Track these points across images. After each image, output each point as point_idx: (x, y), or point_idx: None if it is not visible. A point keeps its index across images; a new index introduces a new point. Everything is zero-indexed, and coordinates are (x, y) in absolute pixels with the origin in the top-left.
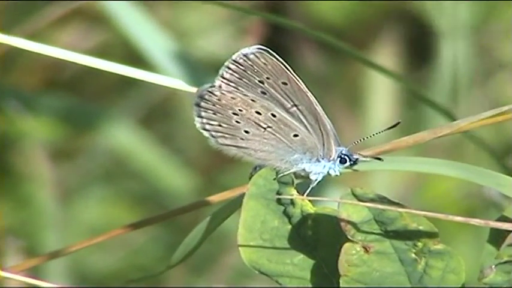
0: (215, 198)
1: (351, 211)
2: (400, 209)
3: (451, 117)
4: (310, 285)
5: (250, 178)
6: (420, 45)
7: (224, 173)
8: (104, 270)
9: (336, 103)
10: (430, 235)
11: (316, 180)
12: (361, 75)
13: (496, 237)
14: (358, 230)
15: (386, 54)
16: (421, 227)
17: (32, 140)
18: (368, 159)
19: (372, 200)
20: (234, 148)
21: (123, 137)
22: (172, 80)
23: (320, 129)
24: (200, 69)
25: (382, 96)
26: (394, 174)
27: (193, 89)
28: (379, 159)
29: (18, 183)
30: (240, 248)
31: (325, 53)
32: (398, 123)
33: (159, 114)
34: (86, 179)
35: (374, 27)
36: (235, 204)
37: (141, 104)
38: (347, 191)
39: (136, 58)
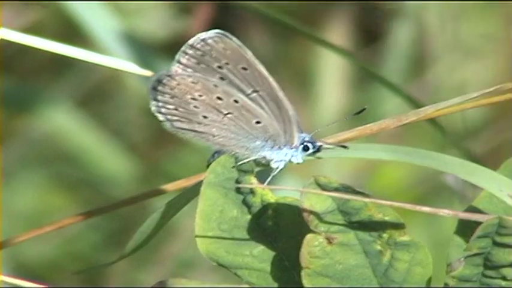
0: (170, 187)
1: (314, 201)
2: (366, 199)
3: (405, 97)
4: (270, 278)
5: (208, 166)
6: (370, 25)
7: (167, 160)
8: (39, 259)
9: (285, 85)
10: (396, 226)
11: (277, 168)
12: (310, 55)
13: (464, 229)
14: (321, 220)
15: (336, 32)
16: (386, 218)
17: None
18: (332, 146)
19: (336, 190)
20: (190, 132)
21: (60, 119)
22: (124, 62)
23: (282, 116)
24: (145, 50)
25: (332, 76)
26: (343, 162)
27: (147, 72)
28: (344, 146)
29: None
30: (197, 239)
31: (272, 32)
32: (364, 109)
33: (97, 96)
34: (21, 163)
35: (323, 6)
36: (191, 193)
37: (79, 85)
38: (310, 179)
39: (73, 38)
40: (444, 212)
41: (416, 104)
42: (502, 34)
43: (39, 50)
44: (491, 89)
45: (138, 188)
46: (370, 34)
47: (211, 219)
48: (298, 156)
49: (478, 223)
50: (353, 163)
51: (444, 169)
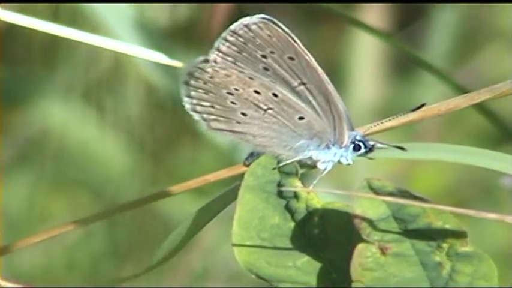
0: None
1: (367, 206)
2: (424, 205)
3: (451, 84)
4: None
5: (246, 165)
6: (409, 4)
7: (176, 158)
8: (34, 267)
9: None
10: (458, 235)
11: (325, 169)
12: (343, 39)
13: None
14: (374, 228)
15: (372, 12)
16: (447, 226)
17: None
18: (386, 146)
19: (390, 194)
20: (229, 133)
21: (59, 112)
22: (150, 52)
23: (331, 112)
24: (159, 37)
25: (368, 61)
26: (374, 164)
27: (176, 63)
28: (401, 148)
29: None
30: (234, 249)
31: (301, 14)
32: (423, 104)
33: (100, 88)
34: (16, 160)
35: None
36: (227, 198)
37: (80, 76)
38: (362, 183)
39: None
40: (511, 218)
41: (463, 92)
42: None
43: (36, 37)
44: None
45: (144, 189)
46: (408, 14)
47: (250, 227)
48: (349, 157)
49: None
50: (386, 165)
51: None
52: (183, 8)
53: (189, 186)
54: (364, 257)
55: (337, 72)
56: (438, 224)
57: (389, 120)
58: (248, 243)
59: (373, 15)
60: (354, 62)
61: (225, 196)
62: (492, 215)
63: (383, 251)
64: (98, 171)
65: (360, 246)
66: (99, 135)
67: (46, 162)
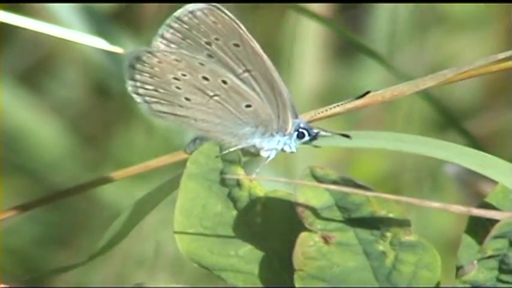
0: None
1: (310, 195)
2: (368, 193)
3: (392, 70)
4: (257, 281)
5: (186, 152)
6: None
7: (116, 143)
8: None
9: None
10: (401, 224)
11: (268, 157)
12: (283, 24)
13: (475, 228)
14: (317, 217)
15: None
16: (391, 215)
17: None
18: (330, 134)
19: (334, 182)
20: (171, 116)
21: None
22: (89, 37)
23: (275, 99)
24: (98, 20)
25: (309, 47)
26: (316, 151)
27: (117, 49)
28: (346, 135)
29: None
30: (176, 237)
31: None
32: (368, 92)
33: (39, 70)
34: None
35: None
36: (169, 186)
37: (18, 58)
38: (305, 171)
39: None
40: (456, 208)
41: (405, 77)
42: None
43: None
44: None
45: (83, 174)
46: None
47: (192, 215)
48: (292, 145)
49: (493, 221)
50: (328, 152)
51: (458, 160)
52: None
53: (130, 172)
54: (307, 246)
55: (279, 57)
56: (382, 212)
57: (334, 107)
58: (190, 231)
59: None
60: (296, 47)
61: (167, 184)
62: (436, 204)
63: (326, 240)
64: (36, 156)
65: (303, 235)
66: (37, 119)
67: None
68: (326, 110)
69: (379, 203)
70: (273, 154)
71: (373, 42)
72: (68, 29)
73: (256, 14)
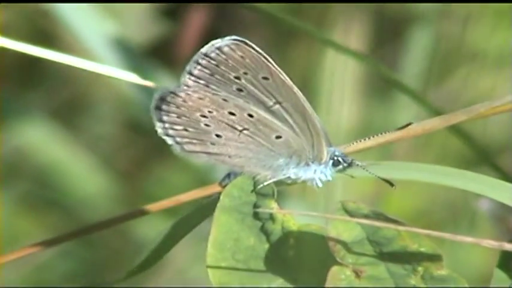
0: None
1: (341, 229)
2: (399, 227)
3: (427, 106)
4: None
5: (219, 185)
6: (385, 28)
7: (149, 180)
8: None
9: None
10: (433, 258)
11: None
12: (318, 60)
13: (508, 263)
14: (348, 250)
15: (347, 34)
16: (422, 249)
17: None
18: (363, 163)
19: (365, 216)
20: (204, 155)
21: (31, 132)
22: (122, 71)
23: (309, 129)
24: (133, 56)
25: (343, 82)
26: (349, 183)
27: (148, 83)
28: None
29: None
30: (208, 270)
31: (273, 35)
32: (410, 123)
33: (73, 107)
34: None
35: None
36: (199, 215)
37: (53, 95)
38: (337, 205)
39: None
40: (488, 242)
41: (437, 113)
42: None
43: (10, 55)
44: None
45: (116, 211)
46: (384, 37)
47: (225, 248)
48: (328, 173)
49: None
50: (360, 185)
51: (490, 194)
52: (158, 28)
53: (161, 206)
54: (338, 280)
55: (312, 93)
56: (413, 247)
57: (366, 140)
58: (223, 264)
59: (348, 35)
60: (328, 83)
61: (197, 213)
62: (468, 239)
63: (357, 274)
64: (70, 192)
65: (334, 268)
66: (72, 155)
67: (19, 182)
68: (358, 143)
69: (411, 237)
70: (312, 183)
71: (407, 78)
72: (101, 63)
73: (290, 50)
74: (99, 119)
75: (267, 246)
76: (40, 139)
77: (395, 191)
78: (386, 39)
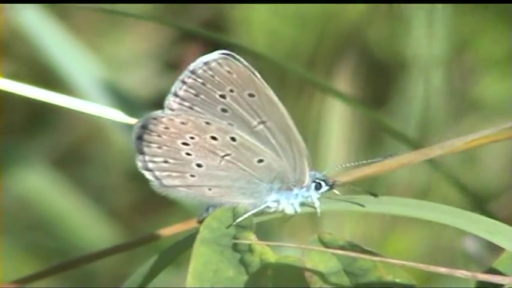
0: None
1: (318, 260)
2: (375, 258)
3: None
4: None
5: (199, 222)
6: (383, 77)
7: (153, 228)
8: None
9: None
10: None
11: (290, 213)
12: (314, 106)
13: None
14: (325, 281)
15: (345, 81)
16: (397, 280)
17: None
18: (358, 189)
19: (341, 248)
20: (183, 189)
21: (34, 181)
22: (107, 109)
23: (292, 150)
24: (133, 102)
25: (339, 128)
26: (344, 219)
27: (133, 120)
28: (374, 195)
29: None
30: None
31: (273, 80)
32: (392, 154)
33: (76, 156)
34: None
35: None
36: (181, 246)
37: (56, 143)
38: (313, 237)
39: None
40: (461, 272)
41: (435, 164)
42: None
43: (14, 100)
44: None
45: (120, 259)
46: (378, 82)
47: (204, 279)
48: (312, 197)
49: (499, 286)
50: (359, 222)
51: (465, 227)
52: (162, 81)
53: (144, 240)
54: None
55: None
56: (388, 278)
57: (342, 171)
58: None
59: (339, 79)
60: (322, 127)
61: (177, 246)
62: (442, 269)
63: None
64: (73, 240)
65: None
66: (75, 204)
67: (21, 231)
68: (342, 166)
69: (386, 268)
70: (293, 209)
71: (400, 125)
72: (85, 101)
73: (284, 93)
74: (100, 167)
75: (245, 277)
76: (42, 188)
77: (391, 236)
78: (377, 84)
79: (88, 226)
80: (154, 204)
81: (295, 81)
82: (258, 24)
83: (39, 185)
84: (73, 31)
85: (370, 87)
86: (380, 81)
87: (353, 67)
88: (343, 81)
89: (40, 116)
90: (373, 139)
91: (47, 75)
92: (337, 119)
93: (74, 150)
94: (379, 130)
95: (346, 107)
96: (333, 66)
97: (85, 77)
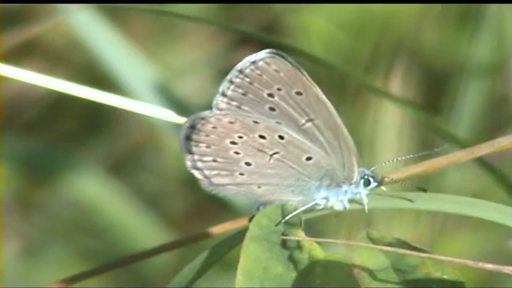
0: (216, 229)
1: (366, 257)
2: (423, 255)
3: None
4: None
5: (250, 220)
6: (436, 82)
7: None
8: None
9: None
10: (456, 285)
11: (340, 210)
12: (365, 108)
13: None
14: (374, 278)
15: (398, 85)
16: (445, 276)
17: None
18: (408, 185)
19: (390, 245)
20: (232, 187)
21: (90, 187)
22: (158, 108)
23: (340, 147)
24: (186, 107)
25: (390, 132)
26: (393, 222)
27: (182, 120)
28: (423, 189)
29: None
30: None
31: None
32: (438, 147)
33: (131, 162)
34: (45, 236)
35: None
36: (232, 242)
37: (111, 149)
38: (362, 233)
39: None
40: (509, 269)
41: (488, 166)
42: None
43: (71, 107)
44: None
45: (175, 265)
46: (430, 94)
47: (253, 276)
48: (361, 193)
49: None
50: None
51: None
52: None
53: (195, 238)
54: None
55: (362, 143)
56: (436, 274)
57: (389, 167)
58: None
59: (397, 86)
60: (377, 132)
61: (227, 242)
62: (489, 265)
63: None
64: (127, 246)
65: None
66: (130, 210)
67: (76, 237)
68: (389, 161)
69: (434, 264)
70: (342, 205)
71: (454, 128)
72: (135, 100)
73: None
74: (154, 174)
75: (294, 274)
76: (97, 193)
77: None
78: (430, 89)
79: (142, 232)
80: (208, 210)
81: (351, 87)
82: (315, 31)
83: (94, 190)
84: (129, 38)
85: (422, 92)
86: (433, 86)
87: (406, 71)
88: (397, 85)
89: (95, 123)
90: (425, 143)
91: (101, 81)
92: (390, 122)
93: (128, 156)
94: (431, 133)
95: (400, 111)
96: (387, 71)
97: (140, 82)
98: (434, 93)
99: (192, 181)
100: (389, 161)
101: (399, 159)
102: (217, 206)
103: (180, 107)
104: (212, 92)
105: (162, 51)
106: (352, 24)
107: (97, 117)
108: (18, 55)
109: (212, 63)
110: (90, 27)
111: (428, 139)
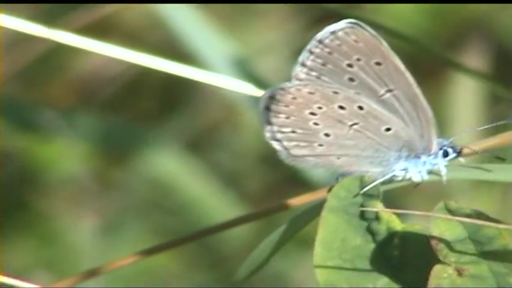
0: (294, 201)
1: (444, 228)
2: (500, 226)
3: None
4: None
5: (329, 191)
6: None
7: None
8: None
9: None
10: None
11: (418, 180)
12: (440, 83)
13: None
14: (451, 249)
15: (470, 57)
16: None
17: (68, 165)
18: (480, 153)
19: (467, 216)
20: (311, 158)
21: (167, 165)
22: (240, 82)
23: (419, 118)
24: (265, 83)
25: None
26: (477, 192)
27: (261, 93)
28: (502, 159)
29: (46, 219)
30: (316, 269)
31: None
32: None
33: (209, 139)
34: (122, 213)
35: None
36: (310, 214)
37: (189, 126)
38: (439, 204)
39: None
40: None
41: None
42: None
43: (149, 85)
44: None
45: (252, 243)
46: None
47: (332, 248)
48: (440, 164)
49: None
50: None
51: None
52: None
53: (273, 210)
54: (440, 278)
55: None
56: None
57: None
58: (330, 263)
59: (472, 60)
60: (451, 107)
61: (306, 214)
62: None
63: (460, 272)
64: (204, 224)
65: (437, 267)
66: (206, 188)
67: (154, 215)
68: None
69: (511, 236)
70: (420, 177)
71: None
72: (212, 72)
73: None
74: (232, 151)
75: (372, 246)
76: (175, 171)
77: None
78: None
79: (219, 210)
80: (286, 188)
81: (428, 63)
82: (392, 11)
83: (171, 168)
84: (208, 18)
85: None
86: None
87: (480, 51)
88: (472, 60)
89: (173, 101)
90: (501, 117)
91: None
92: (466, 96)
93: (206, 134)
94: (506, 107)
95: (475, 85)
96: (461, 49)
97: (219, 59)
98: (508, 68)
99: (271, 159)
100: (466, 132)
101: (477, 129)
102: (295, 184)
103: (258, 83)
104: (288, 72)
105: (240, 31)
106: (430, 5)
107: (174, 96)
108: (94, 34)
109: (289, 44)
110: (170, 6)
111: (504, 113)
